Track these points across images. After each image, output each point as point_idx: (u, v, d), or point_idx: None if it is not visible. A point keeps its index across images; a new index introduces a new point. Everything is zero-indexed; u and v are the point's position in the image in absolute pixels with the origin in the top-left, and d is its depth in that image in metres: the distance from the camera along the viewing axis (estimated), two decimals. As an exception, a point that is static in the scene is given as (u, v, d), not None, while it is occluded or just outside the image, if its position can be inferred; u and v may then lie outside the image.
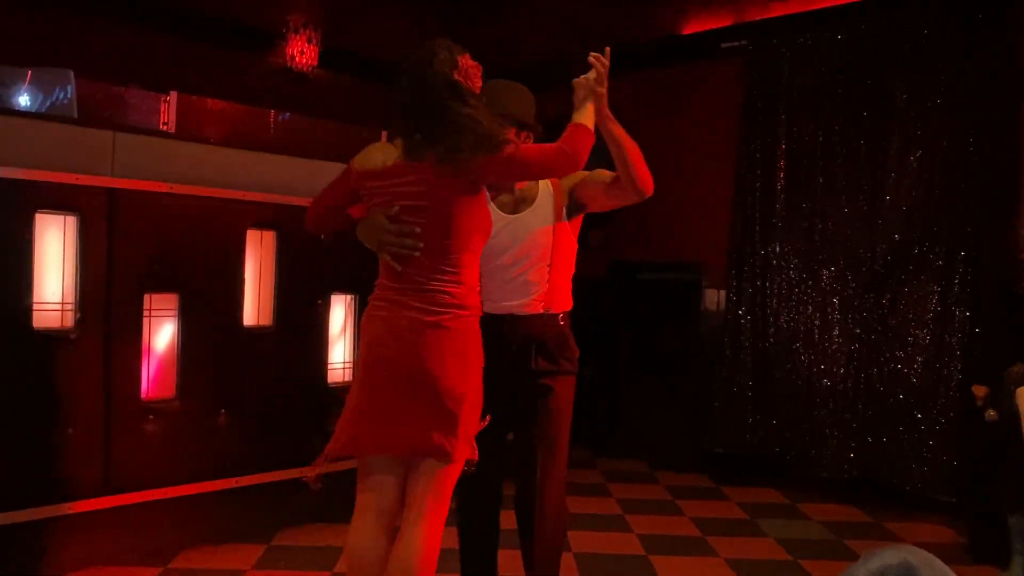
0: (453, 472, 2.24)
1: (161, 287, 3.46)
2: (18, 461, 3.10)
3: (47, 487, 3.15)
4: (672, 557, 3.76)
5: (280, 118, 5.07)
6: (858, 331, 4.75)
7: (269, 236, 3.80)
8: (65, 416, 3.18)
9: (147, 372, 3.43)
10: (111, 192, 3.28)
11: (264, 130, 5.00)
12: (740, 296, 5.20)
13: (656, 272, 5.62)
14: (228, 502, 3.66)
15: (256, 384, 3.73)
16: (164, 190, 3.42)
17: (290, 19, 6.01)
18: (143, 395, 3.41)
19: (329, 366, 4.02)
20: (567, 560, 3.41)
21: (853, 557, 3.59)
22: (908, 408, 4.52)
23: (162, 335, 3.51)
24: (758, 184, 5.16)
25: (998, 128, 4.36)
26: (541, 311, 2.55)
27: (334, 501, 3.95)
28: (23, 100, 3.77)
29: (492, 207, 2.45)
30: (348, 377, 4.09)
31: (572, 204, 2.59)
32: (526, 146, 2.30)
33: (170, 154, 3.54)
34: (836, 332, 4.82)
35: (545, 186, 2.57)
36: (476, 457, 2.25)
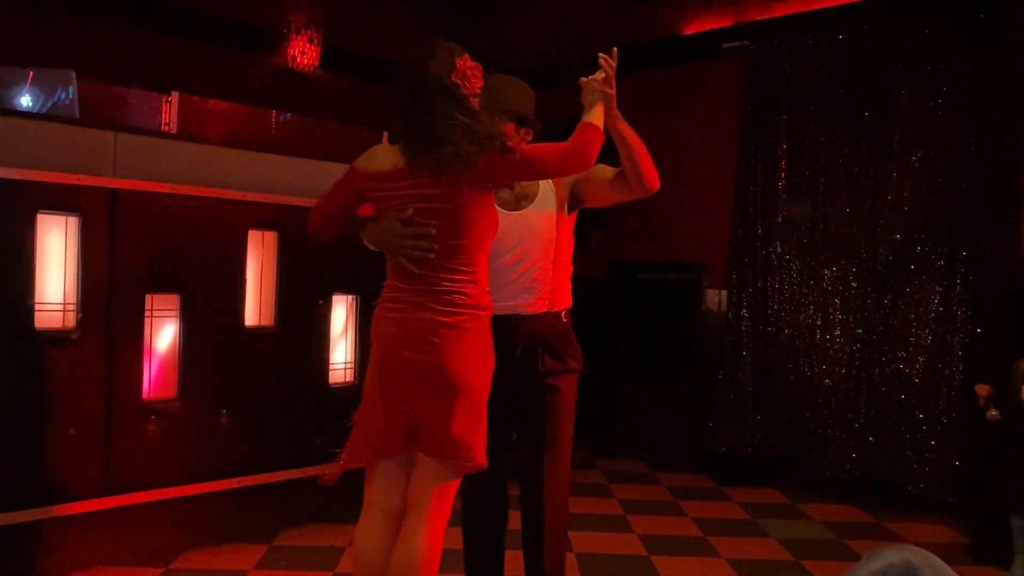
0: (458, 472, 2.24)
1: (162, 287, 3.46)
2: (20, 461, 3.10)
3: (49, 487, 3.15)
4: (674, 557, 3.76)
5: (281, 118, 5.07)
6: (859, 331, 4.75)
7: (270, 236, 3.80)
8: (66, 416, 3.18)
9: (148, 372, 3.43)
10: (112, 192, 3.28)
11: (265, 130, 5.01)
12: (741, 296, 5.19)
13: (657, 272, 5.61)
14: (229, 502, 3.66)
15: (257, 384, 3.73)
16: (165, 190, 3.42)
17: (291, 19, 6.01)
18: (144, 395, 3.42)
19: (330, 367, 4.02)
20: (568, 560, 3.41)
21: (855, 557, 3.59)
22: (909, 408, 4.52)
23: (163, 335, 3.51)
24: (759, 184, 5.16)
25: (998, 128, 4.36)
26: (545, 309, 2.54)
27: (335, 501, 3.97)
28: (25, 100, 3.77)
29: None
30: (349, 378, 4.10)
31: (572, 199, 2.59)
32: (538, 146, 2.30)
33: (171, 154, 3.55)
34: (837, 332, 4.82)
35: (546, 182, 2.57)
36: (485, 460, 2.27)
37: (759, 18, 5.32)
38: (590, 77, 2.34)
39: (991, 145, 4.36)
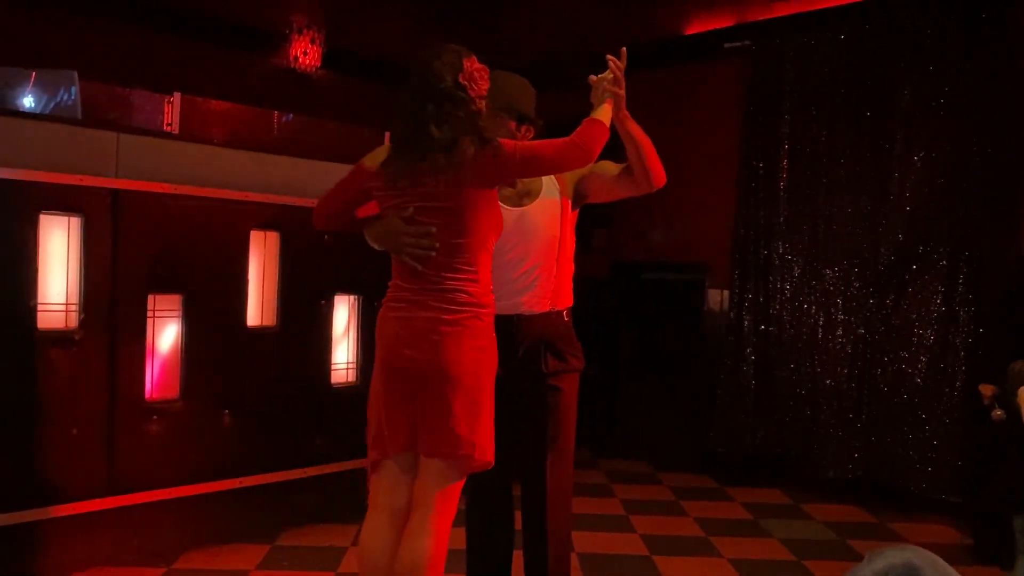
0: (463, 472, 2.25)
1: (165, 288, 3.46)
2: (22, 461, 3.10)
3: (51, 487, 3.16)
4: (676, 557, 3.76)
5: (283, 119, 5.07)
6: (861, 331, 4.75)
7: (272, 237, 3.80)
8: (69, 416, 3.19)
9: (151, 373, 3.44)
10: (115, 193, 3.29)
11: (267, 131, 5.00)
12: (743, 296, 5.19)
13: (659, 272, 5.62)
14: (231, 502, 3.66)
15: (259, 384, 3.74)
16: (168, 191, 3.42)
17: (293, 20, 6.02)
18: (147, 396, 3.42)
19: (332, 367, 4.02)
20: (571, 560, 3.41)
21: (857, 557, 3.59)
22: (912, 408, 4.52)
23: (166, 336, 3.51)
24: (761, 184, 5.16)
25: (999, 128, 4.37)
26: (548, 308, 2.53)
27: (336, 501, 3.98)
28: (27, 101, 3.77)
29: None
30: (351, 378, 4.10)
31: (575, 196, 2.58)
32: (538, 142, 2.31)
33: (174, 155, 3.55)
34: (839, 332, 4.82)
35: (549, 178, 2.54)
36: (492, 458, 2.27)
37: (760, 18, 5.31)
38: (599, 76, 2.33)
39: (992, 145, 4.36)
